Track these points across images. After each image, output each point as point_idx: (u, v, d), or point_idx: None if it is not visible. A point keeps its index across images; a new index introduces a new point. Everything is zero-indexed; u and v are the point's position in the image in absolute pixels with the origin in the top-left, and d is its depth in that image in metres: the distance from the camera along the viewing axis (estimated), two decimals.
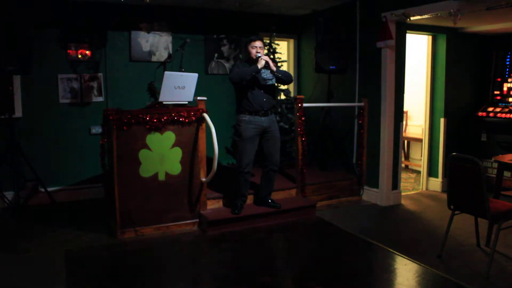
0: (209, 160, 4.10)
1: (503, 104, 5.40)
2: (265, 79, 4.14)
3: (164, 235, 4.01)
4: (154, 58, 5.48)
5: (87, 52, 5.10)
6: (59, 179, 5.08)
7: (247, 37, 4.32)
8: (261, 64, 3.99)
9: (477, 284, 2.97)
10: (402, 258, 3.46)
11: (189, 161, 4.14)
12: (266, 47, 5.81)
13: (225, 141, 5.72)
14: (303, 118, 4.74)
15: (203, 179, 4.19)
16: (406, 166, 6.85)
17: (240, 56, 5.96)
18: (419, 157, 6.37)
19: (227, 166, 5.79)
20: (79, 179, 5.19)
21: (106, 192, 4.09)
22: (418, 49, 6.40)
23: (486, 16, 4.37)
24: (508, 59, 5.44)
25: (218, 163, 4.03)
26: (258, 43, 4.10)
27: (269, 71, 4.12)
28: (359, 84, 5.29)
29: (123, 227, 3.92)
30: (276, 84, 4.33)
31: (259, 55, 4.04)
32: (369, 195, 5.17)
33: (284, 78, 4.18)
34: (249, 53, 4.13)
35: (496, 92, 5.55)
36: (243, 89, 4.10)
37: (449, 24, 4.77)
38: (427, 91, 5.58)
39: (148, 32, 5.42)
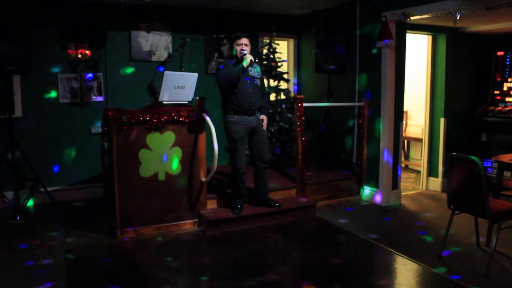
0: (209, 159, 4.09)
1: (503, 104, 5.40)
2: (252, 77, 4.10)
3: (164, 235, 4.01)
4: (154, 58, 5.48)
5: (87, 52, 5.10)
6: (59, 179, 5.08)
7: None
8: (246, 62, 3.94)
9: (477, 284, 2.97)
10: (402, 258, 3.46)
11: (189, 161, 4.14)
12: (266, 47, 5.81)
13: (225, 141, 5.66)
14: (303, 118, 4.74)
15: (203, 179, 4.19)
16: (406, 166, 6.85)
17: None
18: (419, 157, 6.36)
19: (228, 166, 5.77)
20: (79, 179, 5.20)
21: (106, 192, 4.09)
22: (418, 49, 6.40)
23: (486, 16, 4.37)
24: (508, 59, 5.44)
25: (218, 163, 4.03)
26: (243, 40, 4.01)
27: (256, 68, 4.07)
28: (359, 84, 5.28)
29: (123, 227, 3.92)
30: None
31: (244, 52, 3.98)
32: (369, 195, 5.17)
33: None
34: (234, 50, 4.08)
35: (496, 92, 5.54)
36: (231, 89, 4.02)
37: (449, 24, 4.77)
38: (427, 91, 5.57)
39: (148, 32, 5.42)
